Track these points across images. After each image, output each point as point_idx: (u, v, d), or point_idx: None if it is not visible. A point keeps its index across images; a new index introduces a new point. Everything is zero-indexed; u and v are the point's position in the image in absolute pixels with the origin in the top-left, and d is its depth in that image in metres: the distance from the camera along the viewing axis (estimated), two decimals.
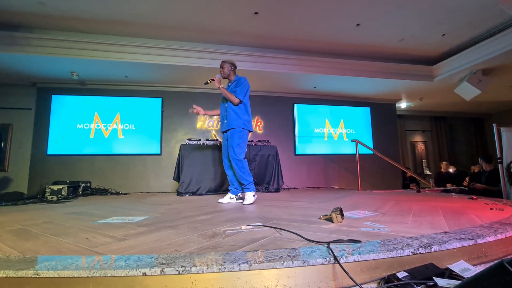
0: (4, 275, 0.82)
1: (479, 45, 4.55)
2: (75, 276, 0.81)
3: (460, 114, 8.48)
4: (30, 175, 4.91)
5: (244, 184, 2.79)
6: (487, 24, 4.26)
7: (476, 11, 3.91)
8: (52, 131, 5.03)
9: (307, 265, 0.88)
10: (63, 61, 4.21)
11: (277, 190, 4.26)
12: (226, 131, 2.87)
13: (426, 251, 0.99)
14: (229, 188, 2.92)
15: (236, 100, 2.77)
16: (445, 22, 4.21)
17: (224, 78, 2.90)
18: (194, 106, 3.00)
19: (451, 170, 5.92)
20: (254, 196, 2.71)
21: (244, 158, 2.82)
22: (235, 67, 2.95)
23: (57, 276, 0.81)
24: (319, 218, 1.70)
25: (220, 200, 2.84)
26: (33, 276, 0.81)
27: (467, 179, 5.43)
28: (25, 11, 3.71)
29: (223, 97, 2.92)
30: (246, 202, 2.64)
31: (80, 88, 5.27)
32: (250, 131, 2.90)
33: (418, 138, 8.41)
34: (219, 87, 2.79)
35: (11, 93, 5.13)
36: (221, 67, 2.92)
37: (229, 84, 2.94)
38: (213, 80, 2.84)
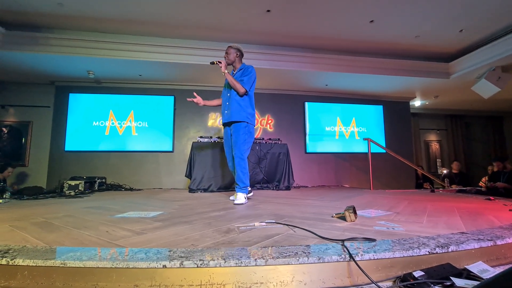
0: (34, 264, 0.87)
1: (499, 41, 4.38)
2: (99, 266, 0.85)
3: (478, 112, 8.20)
4: (49, 170, 5.10)
5: (238, 185, 2.61)
6: (508, 18, 4.10)
7: (496, 5, 3.77)
8: (69, 128, 5.20)
9: (322, 262, 0.89)
10: (80, 60, 4.34)
11: (288, 188, 4.26)
12: (228, 124, 2.68)
13: (443, 251, 0.98)
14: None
15: (242, 90, 2.56)
16: (463, 17, 4.07)
17: (228, 64, 2.68)
18: (195, 94, 2.73)
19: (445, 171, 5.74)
20: (245, 198, 2.54)
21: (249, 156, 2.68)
22: (242, 54, 2.74)
23: (83, 266, 0.85)
24: (332, 217, 1.70)
25: (232, 198, 2.67)
26: (60, 265, 0.86)
27: (483, 179, 5.26)
28: (45, 12, 3.84)
29: (226, 84, 2.70)
30: (237, 201, 2.46)
31: (96, 86, 5.42)
32: (253, 126, 2.73)
33: (432, 137, 8.20)
34: (224, 73, 2.57)
35: (31, 91, 5.34)
36: (226, 52, 2.69)
37: (234, 72, 2.72)
38: (220, 62, 2.58)
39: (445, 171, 4.99)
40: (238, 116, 2.60)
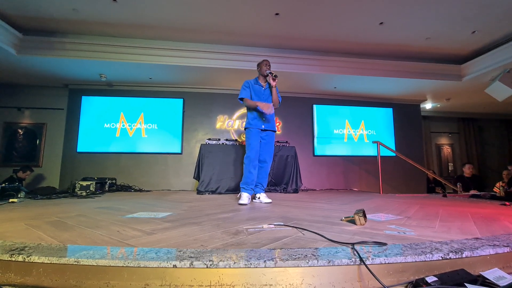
0: (49, 262, 0.89)
1: None
2: (111, 265, 0.87)
3: (491, 115, 7.99)
4: (62, 171, 5.23)
5: (263, 185, 2.91)
6: None
7: (511, 6, 3.68)
8: (81, 130, 5.33)
9: (332, 265, 0.88)
10: (93, 64, 4.46)
11: (296, 191, 4.24)
12: (265, 130, 2.88)
13: (457, 257, 0.96)
14: (255, 188, 2.88)
15: (278, 106, 2.94)
16: (475, 18, 3.99)
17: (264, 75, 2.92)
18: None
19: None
20: None
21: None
22: None
23: (95, 264, 0.87)
24: (341, 220, 1.68)
25: (258, 200, 2.84)
26: (74, 263, 0.88)
27: (498, 184, 5.10)
28: (60, 17, 3.97)
29: (263, 93, 2.90)
30: (268, 200, 2.78)
31: (108, 89, 5.54)
32: None
33: (444, 141, 8.03)
34: (274, 86, 2.84)
35: (45, 94, 5.50)
36: (269, 65, 2.91)
37: (261, 84, 2.94)
38: (276, 77, 2.80)
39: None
40: (275, 127, 2.98)
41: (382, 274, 0.88)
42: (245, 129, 2.94)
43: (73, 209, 2.23)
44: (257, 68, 2.96)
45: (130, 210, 2.16)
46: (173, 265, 0.85)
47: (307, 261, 0.87)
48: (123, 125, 5.46)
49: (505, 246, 1.04)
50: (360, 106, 6.32)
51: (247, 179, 2.75)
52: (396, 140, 6.35)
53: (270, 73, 2.81)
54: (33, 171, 4.96)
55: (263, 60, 2.92)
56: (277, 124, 5.95)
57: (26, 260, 0.90)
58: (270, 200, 2.78)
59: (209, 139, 4.33)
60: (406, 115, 6.53)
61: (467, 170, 5.50)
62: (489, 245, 1.06)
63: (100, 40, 4.36)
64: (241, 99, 2.88)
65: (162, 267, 0.85)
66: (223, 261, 0.86)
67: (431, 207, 2.44)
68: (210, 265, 0.85)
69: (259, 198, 2.83)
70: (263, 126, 2.85)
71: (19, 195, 3.22)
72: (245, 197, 2.68)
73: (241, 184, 2.79)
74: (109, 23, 4.14)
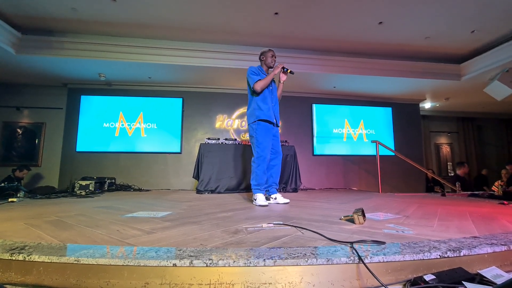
0: (49, 261, 0.90)
1: None
2: (112, 264, 0.87)
3: (491, 115, 8.01)
4: (61, 170, 5.23)
5: (277, 185, 2.77)
6: None
7: (510, 5, 3.69)
8: (81, 129, 5.33)
9: (331, 264, 0.89)
10: (92, 63, 4.45)
11: (295, 190, 4.24)
12: (275, 126, 2.71)
13: (455, 255, 0.96)
14: (270, 188, 2.72)
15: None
16: (475, 18, 4.00)
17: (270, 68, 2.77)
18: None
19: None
20: None
21: None
22: None
23: (95, 263, 0.87)
24: (340, 219, 1.68)
25: (278, 201, 2.63)
26: (74, 262, 0.88)
27: (496, 183, 5.12)
28: (59, 17, 3.97)
29: (269, 86, 2.68)
30: (286, 200, 2.65)
31: (107, 88, 5.54)
32: None
33: (443, 140, 8.05)
34: (283, 82, 2.76)
35: (44, 93, 5.50)
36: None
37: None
38: (292, 73, 2.69)
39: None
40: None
41: (380, 273, 0.89)
42: (252, 123, 2.60)
43: (72, 209, 2.23)
44: (261, 57, 2.76)
45: (129, 209, 2.16)
46: (173, 264, 0.85)
47: (306, 259, 0.88)
48: (122, 125, 5.46)
49: (502, 244, 1.05)
50: (359, 105, 6.33)
51: (261, 180, 2.55)
52: (395, 140, 6.37)
53: (284, 68, 2.64)
54: (30, 169, 4.96)
55: (269, 50, 2.72)
56: None
57: (27, 259, 0.90)
58: (288, 200, 2.61)
59: (209, 139, 4.33)
60: (406, 114, 6.55)
61: (462, 171, 5.46)
62: (487, 243, 1.07)
63: (99, 40, 4.36)
64: (253, 84, 2.57)
65: (162, 266, 0.86)
66: (223, 259, 0.87)
67: (430, 206, 2.45)
68: (210, 263, 0.85)
69: (275, 199, 2.63)
70: (275, 120, 2.61)
71: (18, 195, 3.22)
72: (262, 198, 2.51)
73: (254, 186, 2.57)
74: (108, 22, 4.14)
